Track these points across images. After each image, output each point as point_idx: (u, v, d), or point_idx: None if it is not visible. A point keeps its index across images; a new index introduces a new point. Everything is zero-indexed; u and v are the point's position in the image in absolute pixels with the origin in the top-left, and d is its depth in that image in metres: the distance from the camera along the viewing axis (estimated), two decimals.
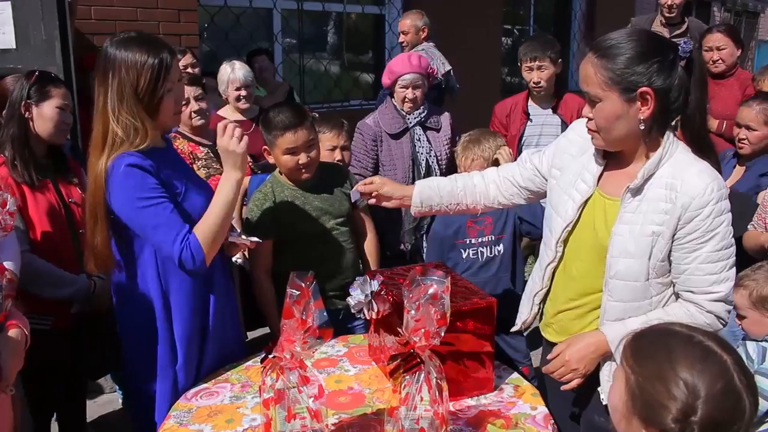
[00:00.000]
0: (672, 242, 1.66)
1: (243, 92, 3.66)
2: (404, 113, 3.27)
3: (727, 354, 1.10)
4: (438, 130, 3.35)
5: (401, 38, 4.89)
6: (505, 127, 3.52)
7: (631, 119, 1.64)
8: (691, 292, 1.69)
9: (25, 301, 2.07)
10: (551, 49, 3.37)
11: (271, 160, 2.47)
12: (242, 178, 1.93)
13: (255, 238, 2.16)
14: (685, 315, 1.70)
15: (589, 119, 1.70)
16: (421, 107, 3.29)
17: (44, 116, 2.36)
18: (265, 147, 2.46)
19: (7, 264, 2.13)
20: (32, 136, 2.36)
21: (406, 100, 3.23)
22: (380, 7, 6.40)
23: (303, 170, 2.41)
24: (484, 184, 2.07)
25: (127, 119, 1.80)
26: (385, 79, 3.33)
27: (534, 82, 3.41)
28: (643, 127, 1.64)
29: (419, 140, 3.27)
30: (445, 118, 3.42)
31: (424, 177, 3.21)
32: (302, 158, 2.38)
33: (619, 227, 1.70)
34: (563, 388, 1.81)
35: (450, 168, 3.38)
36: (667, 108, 1.64)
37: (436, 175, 3.26)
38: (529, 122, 3.47)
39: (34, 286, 2.21)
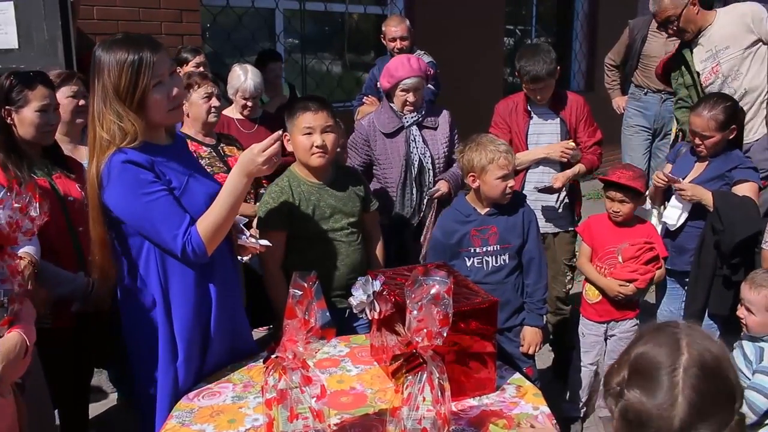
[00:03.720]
0: None
1: (249, 103, 3.71)
2: (401, 114, 3.26)
3: (689, 350, 1.10)
4: (435, 129, 3.33)
5: (398, 44, 4.45)
6: (508, 124, 3.50)
7: None
8: None
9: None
10: (549, 68, 3.24)
11: (289, 147, 2.50)
12: (249, 183, 1.92)
13: (265, 242, 2.17)
14: None
15: None
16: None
17: (24, 121, 2.34)
18: (286, 133, 2.50)
19: (28, 249, 2.13)
20: (19, 140, 2.35)
21: (407, 103, 3.22)
22: (382, 7, 6.40)
23: (317, 153, 2.44)
24: None
25: (110, 121, 1.80)
26: (384, 83, 3.28)
27: (537, 99, 3.39)
28: None
29: (414, 140, 3.25)
30: (444, 117, 3.38)
31: (416, 176, 3.24)
32: (317, 140, 2.43)
33: None
34: None
35: (447, 167, 3.36)
36: None
37: (429, 175, 3.27)
38: (531, 120, 3.47)
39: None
